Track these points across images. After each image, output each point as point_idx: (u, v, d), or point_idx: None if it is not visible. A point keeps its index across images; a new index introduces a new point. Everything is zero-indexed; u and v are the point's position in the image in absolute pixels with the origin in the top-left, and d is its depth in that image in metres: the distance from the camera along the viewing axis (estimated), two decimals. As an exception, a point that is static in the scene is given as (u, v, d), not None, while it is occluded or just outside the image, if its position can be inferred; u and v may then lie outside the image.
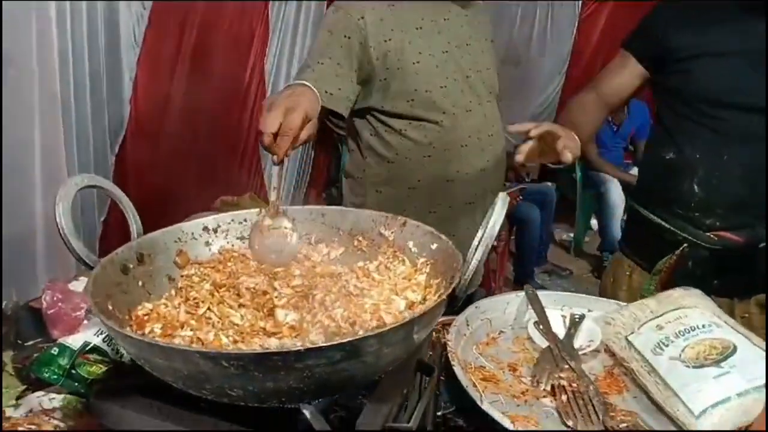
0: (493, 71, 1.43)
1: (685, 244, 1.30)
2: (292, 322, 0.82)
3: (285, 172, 3.58)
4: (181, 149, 2.94)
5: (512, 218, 3.31)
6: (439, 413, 1.00)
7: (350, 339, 0.56)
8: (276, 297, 0.85)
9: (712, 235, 1.28)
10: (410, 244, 0.89)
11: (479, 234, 0.71)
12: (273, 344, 0.77)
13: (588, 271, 3.84)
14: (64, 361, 0.94)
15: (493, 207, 0.68)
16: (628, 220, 1.53)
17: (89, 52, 2.15)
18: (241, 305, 0.83)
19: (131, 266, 0.79)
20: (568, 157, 1.10)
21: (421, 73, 1.31)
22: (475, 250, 0.68)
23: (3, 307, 1.11)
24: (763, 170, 1.22)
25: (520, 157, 1.11)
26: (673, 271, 1.31)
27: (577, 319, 1.26)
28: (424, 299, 0.79)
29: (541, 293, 1.31)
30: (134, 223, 0.84)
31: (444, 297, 0.64)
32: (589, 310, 1.30)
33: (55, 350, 0.95)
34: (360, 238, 0.95)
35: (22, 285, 1.77)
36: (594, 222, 4.18)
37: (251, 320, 0.81)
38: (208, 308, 0.79)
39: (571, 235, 4.11)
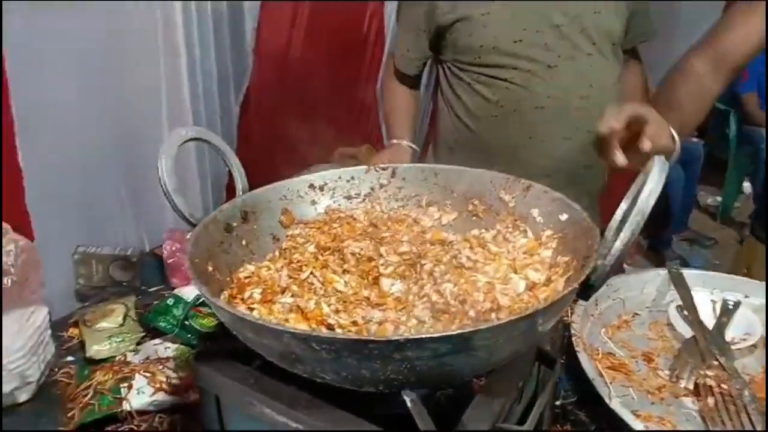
0: (609, 14, 1.20)
1: None
2: (398, 294, 0.75)
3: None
4: (302, 99, 2.96)
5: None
6: (557, 403, 0.89)
7: (459, 332, 0.47)
8: (382, 265, 0.78)
9: None
10: (534, 212, 0.78)
11: (622, 206, 0.58)
12: (376, 316, 0.71)
13: (736, 241, 3.40)
14: (178, 312, 0.96)
15: (647, 173, 0.54)
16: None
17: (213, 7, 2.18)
18: (345, 271, 0.78)
19: (235, 224, 0.76)
20: (646, 145, 0.80)
21: (490, 26, 1.18)
22: (618, 226, 0.55)
23: (129, 253, 1.17)
24: None
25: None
26: None
27: (730, 306, 1.08)
28: (549, 280, 0.68)
29: (687, 272, 1.13)
30: (239, 179, 0.80)
31: (576, 285, 0.53)
32: (746, 296, 1.11)
33: (170, 301, 0.98)
34: (476, 203, 0.85)
35: (151, 231, 1.90)
36: (747, 185, 3.67)
37: (355, 288, 0.76)
38: (311, 273, 0.75)
39: (719, 199, 3.65)
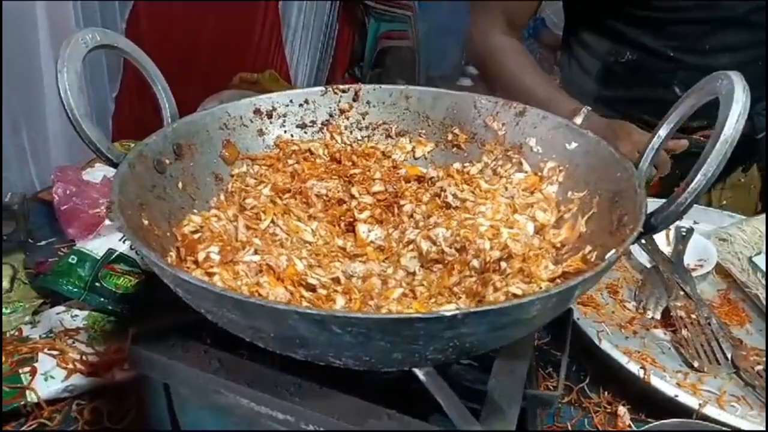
0: None
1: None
2: (379, 242, 0.63)
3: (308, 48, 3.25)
4: (198, 20, 2.62)
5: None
6: (535, 344, 0.84)
7: (530, 298, 0.36)
8: (356, 208, 0.65)
9: (701, 138, 1.05)
10: (531, 141, 0.67)
11: (660, 133, 0.49)
12: (358, 269, 0.59)
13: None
14: (84, 272, 0.77)
15: (728, 93, 0.42)
16: None
17: None
18: (311, 217, 0.64)
19: (167, 161, 0.58)
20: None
21: None
22: (651, 158, 0.46)
23: (8, 199, 0.92)
24: (751, 48, 1.04)
25: None
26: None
27: (684, 233, 1.07)
28: (559, 221, 0.58)
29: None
30: (166, 101, 0.61)
31: (636, 233, 0.43)
32: (696, 222, 1.11)
33: (73, 258, 0.78)
34: (456, 131, 0.72)
35: (37, 170, 1.58)
36: None
37: (325, 237, 0.62)
38: (272, 221, 0.60)
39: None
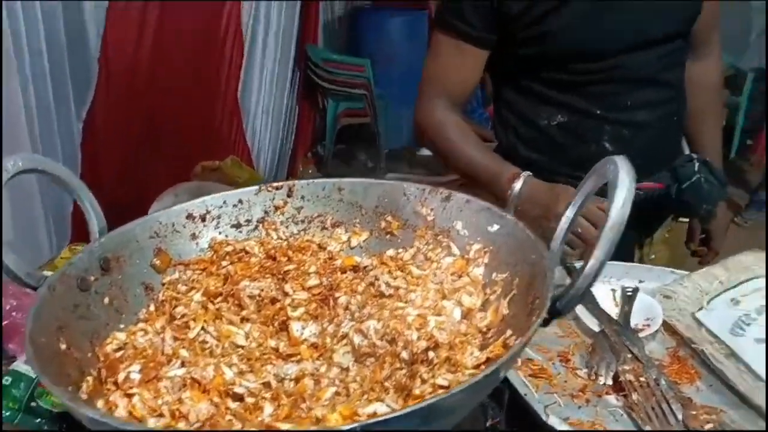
0: None
1: None
2: (313, 339, 0.63)
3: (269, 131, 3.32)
4: (157, 113, 2.68)
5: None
6: (488, 425, 0.83)
7: (431, 401, 0.36)
8: (289, 305, 0.65)
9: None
10: (458, 225, 0.69)
11: (568, 214, 0.52)
12: (290, 371, 0.58)
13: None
14: (19, 393, 0.75)
15: (613, 179, 0.46)
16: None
17: (43, 11, 1.86)
18: (244, 320, 0.64)
19: (93, 279, 0.58)
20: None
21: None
22: (562, 239, 0.48)
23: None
24: (669, 103, 1.13)
25: None
26: None
27: (629, 294, 1.09)
28: (485, 303, 0.60)
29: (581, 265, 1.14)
30: (94, 217, 0.62)
31: (541, 318, 0.44)
32: (641, 281, 1.13)
33: (7, 379, 0.75)
34: (389, 218, 0.74)
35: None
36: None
37: (258, 339, 0.62)
38: (203, 328, 0.60)
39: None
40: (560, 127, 1.13)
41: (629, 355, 0.92)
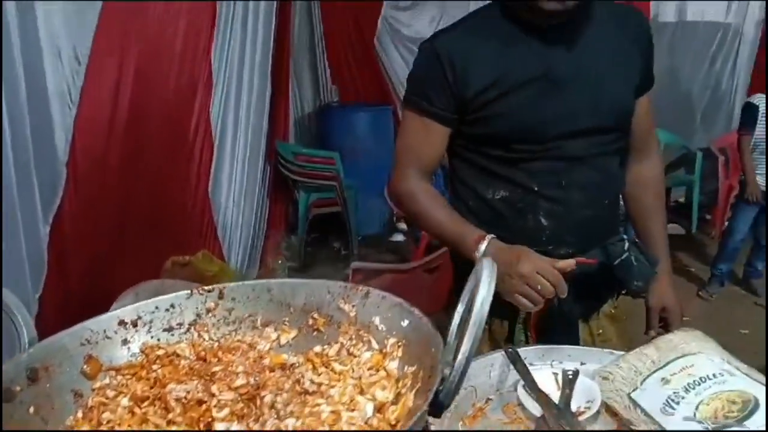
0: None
1: None
2: (236, 438, 0.65)
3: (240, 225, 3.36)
4: (126, 210, 2.73)
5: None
6: None
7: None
8: (215, 407, 0.67)
9: None
10: (376, 320, 0.73)
11: (459, 309, 0.57)
12: (212, 473, 0.60)
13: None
14: None
15: (475, 279, 0.53)
16: (455, 269, 1.38)
17: (10, 117, 1.95)
18: (170, 422, 0.66)
19: (18, 389, 0.61)
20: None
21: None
22: (457, 334, 0.53)
23: None
24: (600, 186, 1.22)
25: None
26: (538, 313, 1.21)
27: (570, 377, 1.12)
28: (398, 396, 0.63)
29: (525, 350, 1.17)
30: (24, 327, 0.66)
31: (425, 408, 0.48)
32: (582, 363, 1.16)
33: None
34: (315, 316, 0.79)
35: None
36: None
37: (183, 442, 0.64)
38: (127, 434, 0.62)
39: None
40: (503, 201, 1.23)
41: (568, 439, 0.94)
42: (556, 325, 1.24)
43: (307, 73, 4.62)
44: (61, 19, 2.14)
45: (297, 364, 0.74)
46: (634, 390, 1.02)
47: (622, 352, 1.17)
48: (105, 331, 0.72)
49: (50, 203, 2.24)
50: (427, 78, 1.20)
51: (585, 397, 1.06)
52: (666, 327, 1.36)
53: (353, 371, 0.70)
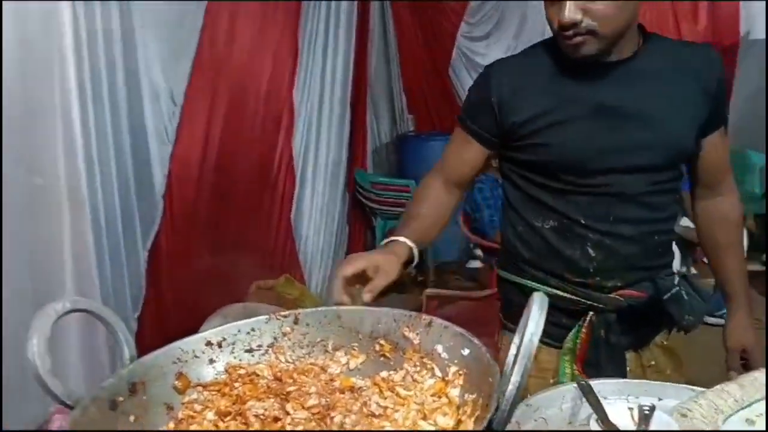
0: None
1: (591, 313, 1.22)
2: (308, 455, 0.70)
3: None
4: (216, 238, 2.93)
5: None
6: None
7: None
8: (289, 424, 0.73)
9: (616, 296, 1.22)
10: (439, 348, 0.77)
11: (515, 341, 0.59)
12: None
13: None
14: (60, 506, 0.84)
15: (527, 312, 0.55)
16: (504, 296, 1.39)
17: (116, 154, 2.17)
18: (249, 436, 0.72)
19: (121, 399, 0.69)
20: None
21: None
22: (512, 366, 0.56)
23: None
24: (650, 222, 1.21)
25: None
26: (586, 344, 1.21)
27: (646, 412, 1.09)
28: (458, 423, 0.66)
29: (599, 382, 1.14)
30: (126, 346, 0.75)
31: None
32: (660, 399, 1.13)
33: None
34: (382, 342, 0.83)
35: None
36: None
37: (261, 456, 0.70)
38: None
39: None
40: (551, 230, 1.24)
41: (642, 476, 0.92)
42: (602, 356, 1.23)
43: (383, 103, 4.75)
44: (159, 66, 2.37)
45: (364, 388, 0.79)
46: (715, 429, 0.98)
47: (702, 389, 1.12)
48: (194, 351, 0.80)
49: (149, 231, 2.46)
50: (475, 98, 1.26)
51: (661, 435, 1.03)
52: (747, 367, 1.30)
53: (416, 397, 0.73)
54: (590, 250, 1.20)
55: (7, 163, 1.69)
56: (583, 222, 1.20)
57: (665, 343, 1.31)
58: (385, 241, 1.13)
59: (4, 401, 1.60)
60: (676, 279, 1.19)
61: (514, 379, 0.50)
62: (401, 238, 1.12)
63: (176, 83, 2.47)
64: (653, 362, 1.30)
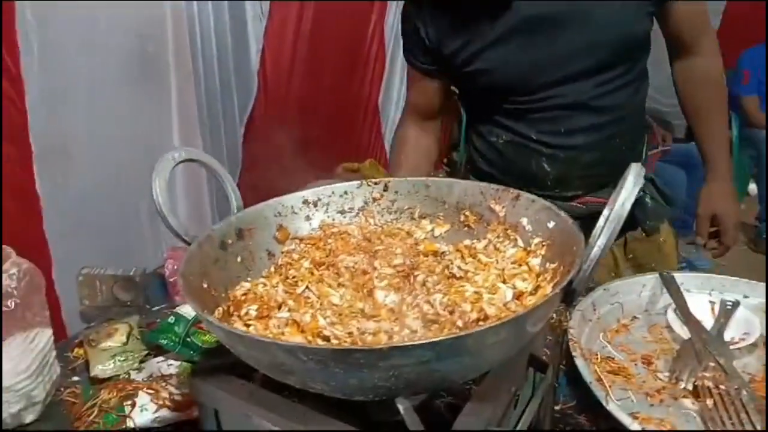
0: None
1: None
2: (392, 305, 0.77)
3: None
4: (306, 117, 3.00)
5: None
6: (557, 407, 0.90)
7: (439, 338, 0.48)
8: (376, 277, 0.79)
9: (577, 204, 1.22)
10: (524, 221, 0.79)
11: (604, 213, 0.60)
12: (370, 327, 0.72)
13: (743, 243, 3.38)
14: (179, 330, 0.98)
15: (622, 181, 0.55)
16: None
17: (215, 28, 2.23)
18: (340, 285, 0.79)
19: (230, 242, 0.78)
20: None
21: None
22: (599, 233, 0.57)
23: (132, 273, 1.19)
24: (606, 127, 1.18)
25: None
26: None
27: (729, 307, 1.08)
28: (537, 288, 0.69)
29: (685, 275, 1.14)
30: (233, 197, 0.82)
31: (558, 291, 0.54)
32: (746, 296, 1.11)
33: (171, 319, 0.99)
34: (467, 213, 0.86)
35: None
36: (752, 187, 3.66)
37: (350, 300, 0.77)
38: (307, 287, 0.76)
39: (724, 202, 3.62)
40: (506, 146, 1.24)
41: (712, 364, 0.93)
42: None
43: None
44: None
45: (447, 252, 0.83)
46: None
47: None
48: (292, 207, 0.87)
49: (245, 107, 2.56)
50: (407, 34, 1.24)
51: (743, 329, 1.03)
52: (718, 236, 1.28)
53: (497, 263, 0.76)
54: (545, 165, 1.19)
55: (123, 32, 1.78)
56: (534, 137, 1.18)
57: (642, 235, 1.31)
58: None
59: (128, 248, 1.84)
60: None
61: (600, 241, 0.52)
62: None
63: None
64: (631, 255, 1.33)
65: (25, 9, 1.57)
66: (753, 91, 3.33)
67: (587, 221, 1.20)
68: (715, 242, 1.28)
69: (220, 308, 0.69)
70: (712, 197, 1.26)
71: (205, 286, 0.69)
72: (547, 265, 0.71)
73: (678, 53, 1.25)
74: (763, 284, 1.12)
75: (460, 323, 0.67)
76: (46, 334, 0.86)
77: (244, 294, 0.73)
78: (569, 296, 0.55)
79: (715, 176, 1.26)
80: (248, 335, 0.53)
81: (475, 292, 0.70)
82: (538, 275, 0.72)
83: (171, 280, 1.16)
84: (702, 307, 1.08)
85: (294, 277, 0.79)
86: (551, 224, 0.73)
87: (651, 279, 1.14)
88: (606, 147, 1.19)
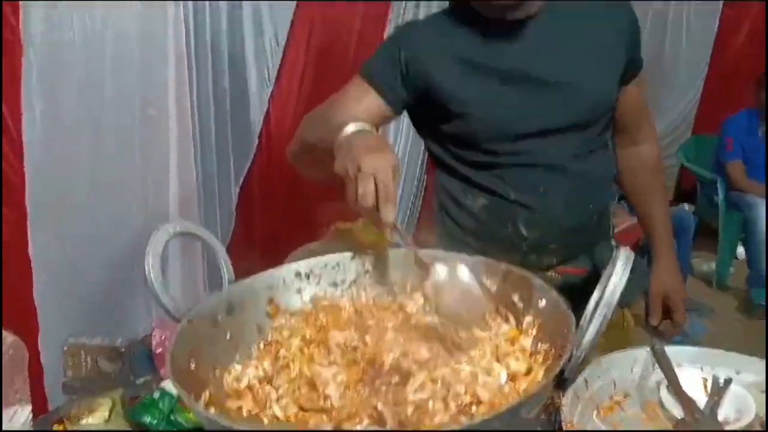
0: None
1: None
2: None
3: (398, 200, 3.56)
4: (302, 180, 3.02)
5: (643, 247, 3.01)
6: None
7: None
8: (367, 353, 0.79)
9: (553, 274, 1.18)
10: (515, 297, 0.79)
11: (594, 297, 0.60)
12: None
13: (733, 308, 3.38)
14: (164, 406, 0.95)
15: (610, 266, 0.56)
16: None
17: (214, 93, 2.29)
18: (331, 363, 0.78)
19: (220, 318, 0.77)
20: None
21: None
22: (590, 318, 0.57)
23: (118, 343, 1.17)
24: (582, 192, 1.16)
25: None
26: None
27: (721, 384, 1.06)
28: (529, 369, 0.69)
29: (676, 349, 1.13)
30: (225, 270, 0.82)
31: (550, 378, 0.54)
32: (738, 372, 1.09)
33: (156, 394, 0.97)
34: (459, 288, 0.86)
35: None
36: (741, 251, 3.69)
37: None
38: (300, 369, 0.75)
39: (713, 266, 3.66)
40: (483, 210, 1.19)
41: (708, 445, 0.91)
42: None
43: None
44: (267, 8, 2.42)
45: (439, 326, 0.82)
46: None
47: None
48: (284, 280, 0.87)
49: (241, 168, 2.59)
50: (383, 54, 1.16)
51: (736, 408, 1.01)
52: (669, 315, 1.27)
53: (491, 339, 0.76)
54: (522, 228, 1.16)
55: (127, 99, 1.81)
56: (512, 198, 1.15)
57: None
58: (352, 129, 0.90)
59: (116, 317, 1.81)
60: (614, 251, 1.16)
61: (592, 328, 0.52)
62: (366, 125, 0.92)
63: (280, 23, 2.47)
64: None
65: (31, 74, 1.61)
66: (737, 156, 3.43)
67: (566, 292, 1.19)
68: (668, 322, 1.29)
69: (207, 391, 0.67)
70: (661, 276, 1.28)
71: (193, 366, 0.68)
72: (539, 345, 0.71)
73: (620, 140, 1.30)
74: (756, 359, 1.12)
75: (453, 406, 0.66)
76: (25, 411, 0.84)
77: (238, 379, 0.72)
78: (562, 384, 0.55)
79: (660, 256, 1.29)
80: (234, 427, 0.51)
81: (471, 373, 0.69)
82: (530, 355, 0.72)
83: (157, 351, 1.14)
84: (694, 382, 1.06)
85: (285, 358, 0.78)
86: (542, 303, 0.74)
87: (642, 353, 1.13)
88: (583, 213, 1.19)
